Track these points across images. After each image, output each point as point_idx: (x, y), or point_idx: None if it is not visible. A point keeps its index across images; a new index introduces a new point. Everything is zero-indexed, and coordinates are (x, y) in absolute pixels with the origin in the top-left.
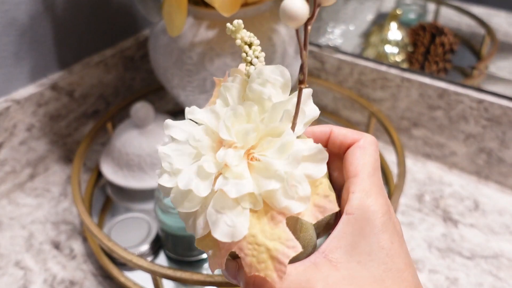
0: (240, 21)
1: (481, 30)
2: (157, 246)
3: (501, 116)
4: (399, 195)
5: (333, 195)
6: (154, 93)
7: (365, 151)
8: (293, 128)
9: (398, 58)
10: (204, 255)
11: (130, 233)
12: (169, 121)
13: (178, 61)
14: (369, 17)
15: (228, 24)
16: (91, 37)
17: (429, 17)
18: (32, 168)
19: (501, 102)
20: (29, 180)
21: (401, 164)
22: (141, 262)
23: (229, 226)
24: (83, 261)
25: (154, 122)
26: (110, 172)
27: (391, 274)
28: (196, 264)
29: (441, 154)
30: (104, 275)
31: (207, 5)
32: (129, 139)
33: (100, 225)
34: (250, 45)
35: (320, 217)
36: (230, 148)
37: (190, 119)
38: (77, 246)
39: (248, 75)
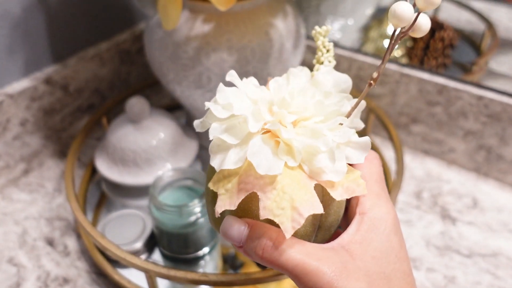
0: (330, 28)
1: (481, 25)
2: (151, 243)
3: (501, 113)
4: (397, 192)
5: (364, 184)
6: (150, 87)
7: (371, 163)
8: (348, 115)
9: (397, 54)
10: (200, 253)
11: (124, 230)
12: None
13: (174, 55)
14: (368, 11)
15: (317, 27)
16: (86, 30)
17: (429, 12)
18: (26, 163)
19: (501, 99)
20: (23, 176)
21: (400, 160)
22: (134, 260)
23: (268, 161)
24: (77, 258)
25: (150, 117)
26: (105, 168)
27: (399, 275)
28: (191, 262)
29: (439, 150)
30: (98, 272)
31: None
32: (124, 134)
33: (95, 221)
34: (327, 51)
35: (346, 196)
36: (285, 109)
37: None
38: (71, 242)
39: (317, 69)
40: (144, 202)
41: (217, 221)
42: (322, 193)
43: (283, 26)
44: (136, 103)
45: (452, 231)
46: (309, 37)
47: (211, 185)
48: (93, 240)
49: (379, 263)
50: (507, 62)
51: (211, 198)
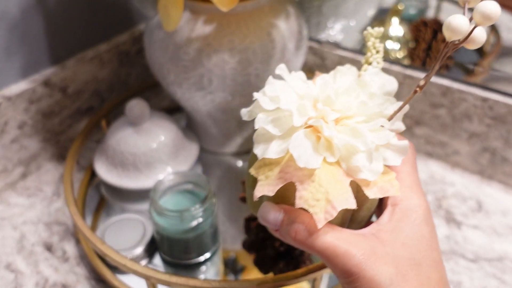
0: (382, 30)
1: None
2: (152, 248)
3: (506, 115)
4: None
5: (397, 185)
6: (150, 89)
7: None
8: (390, 118)
9: (399, 55)
10: (201, 258)
11: (124, 235)
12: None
13: (174, 57)
14: (370, 12)
15: (369, 28)
16: (85, 32)
17: (431, 13)
18: (24, 167)
19: (506, 101)
20: (21, 179)
21: None
22: (135, 266)
23: (308, 155)
24: (76, 263)
25: (150, 120)
26: (104, 171)
27: (429, 262)
28: (192, 268)
29: (443, 153)
30: (97, 278)
31: None
32: (123, 137)
33: (94, 225)
34: (377, 52)
35: (379, 196)
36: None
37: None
38: (70, 248)
39: (364, 70)
40: (144, 206)
41: (254, 204)
42: (357, 189)
43: (285, 27)
44: (136, 105)
45: (457, 235)
46: (311, 38)
47: (252, 171)
48: (92, 246)
49: (409, 250)
50: (509, 64)
51: (251, 182)
